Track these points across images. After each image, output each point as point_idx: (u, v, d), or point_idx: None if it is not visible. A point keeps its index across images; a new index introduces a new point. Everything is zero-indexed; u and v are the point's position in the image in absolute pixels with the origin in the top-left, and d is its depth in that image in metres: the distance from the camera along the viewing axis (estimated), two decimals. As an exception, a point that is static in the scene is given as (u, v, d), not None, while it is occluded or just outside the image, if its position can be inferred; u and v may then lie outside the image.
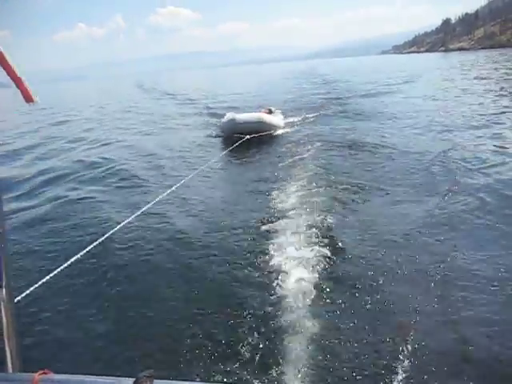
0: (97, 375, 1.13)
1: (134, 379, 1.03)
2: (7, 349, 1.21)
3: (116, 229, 4.39)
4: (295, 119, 16.14)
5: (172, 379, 1.04)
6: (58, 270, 3.28)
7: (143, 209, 5.01)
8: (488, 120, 12.58)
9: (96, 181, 9.78)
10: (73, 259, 3.45)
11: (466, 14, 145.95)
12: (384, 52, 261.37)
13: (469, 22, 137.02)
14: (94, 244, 3.84)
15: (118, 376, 1.10)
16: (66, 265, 3.37)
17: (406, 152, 9.81)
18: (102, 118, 23.05)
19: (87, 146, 14.57)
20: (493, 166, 8.19)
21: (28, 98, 1.38)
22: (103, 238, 4.05)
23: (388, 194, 7.21)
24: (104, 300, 4.62)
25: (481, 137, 10.66)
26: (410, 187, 7.42)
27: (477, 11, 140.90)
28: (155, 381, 1.02)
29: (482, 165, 8.26)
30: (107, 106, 31.66)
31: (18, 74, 1.33)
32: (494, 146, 9.62)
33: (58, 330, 4.15)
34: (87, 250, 3.70)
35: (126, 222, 4.60)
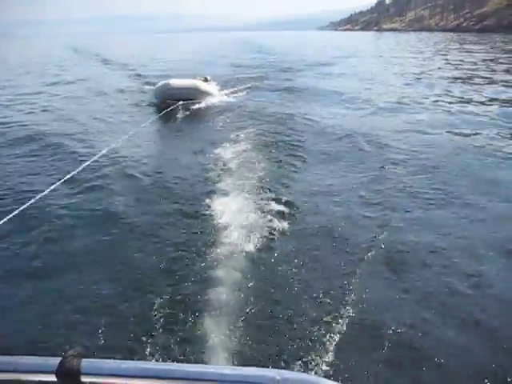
0: (20, 355, 1.06)
1: (60, 358, 0.99)
2: None
3: (38, 197, 4.06)
4: (230, 89, 16.14)
5: (100, 358, 0.99)
6: None
7: (67, 176, 4.62)
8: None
9: (14, 147, 9.11)
10: None
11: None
12: (321, 28, 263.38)
13: (402, 3, 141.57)
14: (14, 213, 3.50)
15: (44, 355, 1.05)
16: None
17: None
18: (28, 78, 21.72)
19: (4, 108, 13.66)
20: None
21: None
22: (24, 207, 3.72)
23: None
24: (22, 275, 4.36)
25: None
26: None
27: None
28: (83, 359, 0.99)
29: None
30: (36, 65, 29.70)
31: None
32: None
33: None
34: (5, 220, 3.35)
35: (49, 189, 4.27)
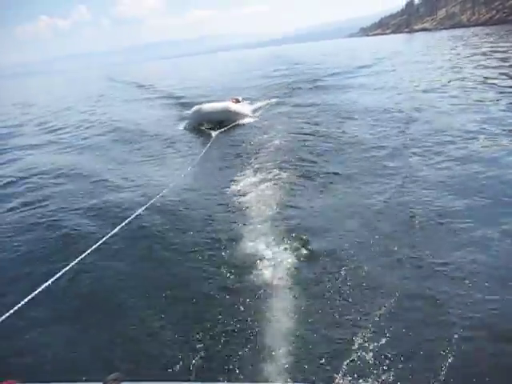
0: (64, 382, 1.19)
1: (101, 383, 1.02)
2: None
3: (103, 240, 4.28)
4: (263, 105, 16.55)
5: (138, 380, 1.02)
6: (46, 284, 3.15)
7: (126, 221, 4.83)
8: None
9: (63, 186, 9.14)
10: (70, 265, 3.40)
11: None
12: (352, 35, 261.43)
13: (432, 2, 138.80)
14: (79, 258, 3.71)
15: (86, 381, 1.15)
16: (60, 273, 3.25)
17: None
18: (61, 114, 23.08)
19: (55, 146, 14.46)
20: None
21: None
22: (87, 253, 3.92)
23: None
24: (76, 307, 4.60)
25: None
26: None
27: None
28: (122, 383, 1.01)
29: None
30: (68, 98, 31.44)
31: None
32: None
33: (32, 340, 4.12)
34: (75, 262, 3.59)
35: (112, 233, 4.45)
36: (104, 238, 4.44)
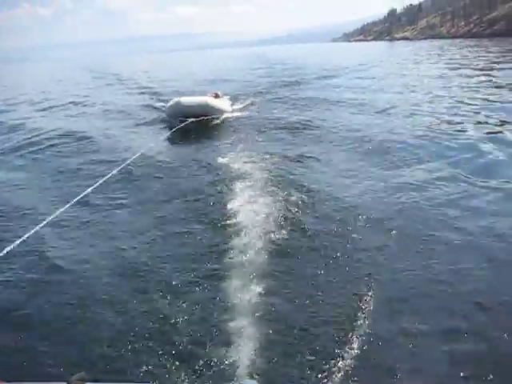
0: (28, 381, 1.10)
1: (65, 383, 1.00)
2: None
3: (49, 219, 4.08)
4: (243, 103, 16.64)
5: (103, 381, 1.02)
6: None
7: (79, 196, 4.70)
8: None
9: (24, 166, 9.32)
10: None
11: (411, 4, 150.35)
12: (334, 40, 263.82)
13: (413, 12, 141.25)
14: (25, 236, 3.56)
15: (49, 381, 1.06)
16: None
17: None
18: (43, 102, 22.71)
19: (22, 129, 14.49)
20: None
21: None
22: (38, 227, 3.77)
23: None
24: (39, 299, 4.36)
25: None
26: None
27: (420, 3, 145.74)
28: (86, 383, 0.90)
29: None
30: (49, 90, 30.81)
31: None
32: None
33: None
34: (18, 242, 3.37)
35: (60, 210, 4.30)
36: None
